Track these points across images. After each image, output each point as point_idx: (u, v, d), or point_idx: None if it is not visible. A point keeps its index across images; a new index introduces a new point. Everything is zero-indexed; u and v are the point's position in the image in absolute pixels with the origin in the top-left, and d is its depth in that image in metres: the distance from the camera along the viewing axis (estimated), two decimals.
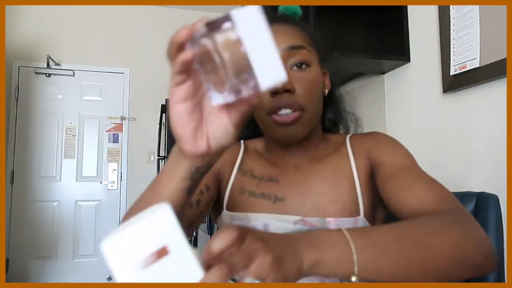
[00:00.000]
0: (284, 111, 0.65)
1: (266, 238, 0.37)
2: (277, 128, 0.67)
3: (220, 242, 0.34)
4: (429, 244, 0.43)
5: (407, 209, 0.57)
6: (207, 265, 0.33)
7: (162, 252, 0.32)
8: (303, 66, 0.67)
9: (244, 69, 0.34)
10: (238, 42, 0.34)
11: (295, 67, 0.67)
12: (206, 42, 0.35)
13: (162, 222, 0.33)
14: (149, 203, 0.37)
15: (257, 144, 0.80)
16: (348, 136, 0.77)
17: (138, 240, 0.32)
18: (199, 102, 0.42)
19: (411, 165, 0.65)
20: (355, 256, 0.39)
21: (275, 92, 0.64)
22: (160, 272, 0.32)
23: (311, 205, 0.68)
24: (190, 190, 0.48)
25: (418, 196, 0.57)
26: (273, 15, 0.73)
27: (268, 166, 0.74)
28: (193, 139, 0.42)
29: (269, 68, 0.34)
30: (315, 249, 0.39)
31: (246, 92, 0.36)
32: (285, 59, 0.66)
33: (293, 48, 0.67)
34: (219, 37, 0.34)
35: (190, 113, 0.41)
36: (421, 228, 0.45)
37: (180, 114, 0.41)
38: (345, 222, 0.65)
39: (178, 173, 0.46)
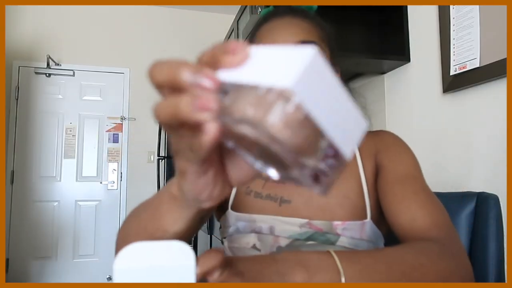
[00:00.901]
0: None
1: (243, 272, 0.36)
2: None
3: (202, 266, 0.34)
4: (416, 278, 0.43)
5: (399, 226, 0.57)
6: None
7: None
8: None
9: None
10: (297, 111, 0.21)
11: None
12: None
13: (182, 269, 0.31)
14: (151, 237, 0.39)
15: None
16: None
17: (153, 274, 0.31)
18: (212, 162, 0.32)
19: (413, 176, 0.62)
20: (343, 281, 0.38)
21: None
22: None
23: (318, 208, 0.66)
24: (198, 225, 0.41)
25: (413, 215, 0.56)
26: (286, 7, 0.70)
27: None
28: (208, 195, 0.34)
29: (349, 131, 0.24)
30: (305, 270, 0.38)
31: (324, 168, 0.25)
32: None
33: (305, 43, 0.64)
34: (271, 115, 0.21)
35: (208, 182, 0.33)
36: (411, 260, 0.45)
37: (199, 190, 0.33)
38: (353, 226, 0.64)
39: (183, 215, 0.38)
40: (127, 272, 0.30)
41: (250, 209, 0.69)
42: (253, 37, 0.70)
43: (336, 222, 0.64)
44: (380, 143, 0.69)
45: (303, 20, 0.67)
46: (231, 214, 0.71)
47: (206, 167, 0.31)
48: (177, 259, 0.31)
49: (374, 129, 0.79)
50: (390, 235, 0.66)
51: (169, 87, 0.25)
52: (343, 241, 0.63)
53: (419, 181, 0.61)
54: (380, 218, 0.67)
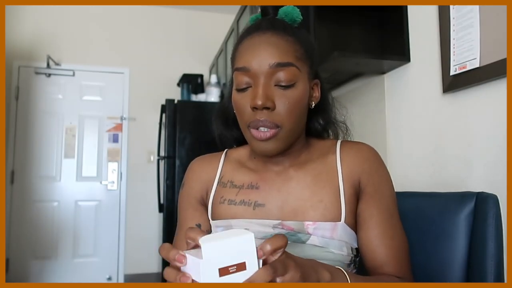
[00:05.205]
0: (261, 127, 0.67)
1: (295, 259, 0.49)
2: (254, 142, 0.69)
3: (273, 244, 0.45)
4: None
5: (365, 256, 0.70)
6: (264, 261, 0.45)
7: (241, 266, 0.43)
8: (287, 85, 0.67)
9: None
10: None
11: (278, 85, 0.67)
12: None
13: (247, 244, 0.44)
14: None
15: (241, 152, 0.82)
16: (339, 142, 0.77)
17: (229, 250, 0.43)
18: None
19: (390, 212, 0.71)
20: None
21: (255, 107, 0.66)
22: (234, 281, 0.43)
23: (290, 210, 0.71)
24: None
25: (382, 254, 0.68)
26: (268, 22, 0.71)
27: (249, 174, 0.77)
28: None
29: None
30: (329, 273, 0.55)
31: None
32: (270, 75, 0.67)
33: (280, 65, 0.66)
34: None
35: None
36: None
37: None
38: (324, 226, 0.68)
39: None
40: (213, 245, 0.43)
41: (226, 215, 0.74)
42: (236, 50, 0.73)
43: (307, 222, 0.68)
44: (364, 164, 0.73)
45: (282, 38, 0.68)
46: (211, 224, 0.76)
47: None
48: (242, 240, 0.44)
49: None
50: None
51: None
52: (313, 240, 0.68)
53: (394, 217, 0.71)
54: (356, 222, 0.72)
